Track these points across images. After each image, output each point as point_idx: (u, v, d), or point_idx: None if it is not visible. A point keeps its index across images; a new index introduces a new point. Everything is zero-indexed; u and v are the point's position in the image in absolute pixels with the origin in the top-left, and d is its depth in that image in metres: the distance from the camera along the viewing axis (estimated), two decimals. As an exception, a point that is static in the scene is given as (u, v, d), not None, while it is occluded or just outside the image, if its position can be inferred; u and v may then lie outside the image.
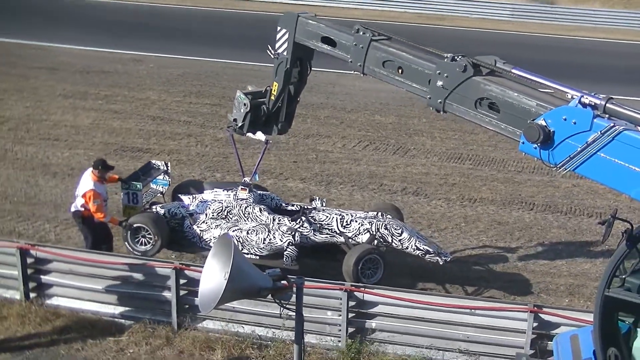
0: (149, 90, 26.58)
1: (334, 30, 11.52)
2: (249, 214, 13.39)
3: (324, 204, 14.19)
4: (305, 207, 14.02)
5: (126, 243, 13.29)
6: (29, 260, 12.48)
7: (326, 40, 11.62)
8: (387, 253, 13.25)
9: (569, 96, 8.27)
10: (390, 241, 13.22)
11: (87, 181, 13.25)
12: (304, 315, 7.86)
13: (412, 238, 13.23)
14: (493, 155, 21.35)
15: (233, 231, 13.08)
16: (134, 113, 23.82)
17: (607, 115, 7.86)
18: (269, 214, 13.40)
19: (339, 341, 11.70)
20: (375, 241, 13.17)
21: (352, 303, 11.61)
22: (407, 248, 13.23)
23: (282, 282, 7.58)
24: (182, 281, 11.99)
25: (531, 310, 11.05)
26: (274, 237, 13.00)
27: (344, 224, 13.33)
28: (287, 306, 7.64)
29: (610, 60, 34.02)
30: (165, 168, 14.55)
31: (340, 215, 13.54)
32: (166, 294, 12.15)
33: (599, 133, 7.70)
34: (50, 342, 11.79)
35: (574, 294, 13.76)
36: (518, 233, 16.31)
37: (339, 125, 23.65)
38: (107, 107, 24.35)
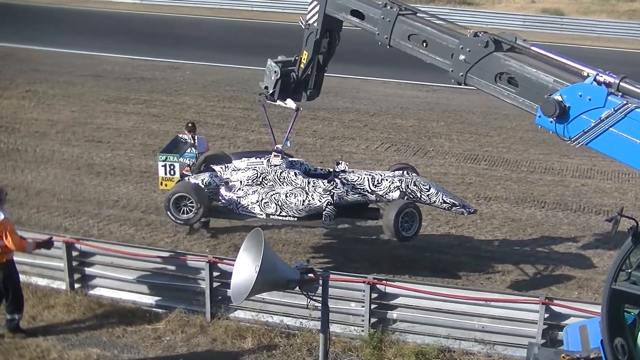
0: (185, 96, 26.64)
1: (363, 3, 11.38)
2: (284, 178, 13.14)
3: (347, 167, 13.80)
4: (334, 170, 13.74)
5: (168, 212, 13.05)
6: (74, 253, 12.57)
7: (355, 13, 11.49)
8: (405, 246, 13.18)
9: (585, 74, 8.27)
10: (419, 196, 13.06)
11: None
12: (329, 306, 7.82)
13: (439, 193, 13.16)
14: (507, 157, 21.17)
15: (271, 195, 12.98)
16: (172, 117, 23.89)
17: (620, 94, 7.85)
18: (303, 177, 13.22)
19: (362, 331, 11.65)
20: (406, 197, 12.97)
21: (374, 295, 11.56)
22: (434, 202, 13.15)
23: (309, 274, 7.55)
24: (215, 273, 11.98)
25: (543, 302, 10.96)
26: (313, 198, 12.92)
27: (375, 183, 13.09)
28: (314, 298, 7.61)
29: (610, 68, 33.68)
30: (192, 142, 14.35)
31: (370, 175, 13.30)
32: (200, 285, 12.16)
33: (612, 110, 7.70)
34: (94, 329, 11.85)
35: (582, 287, 13.60)
36: (530, 229, 16.16)
37: (362, 128, 23.56)
38: (147, 111, 24.48)
